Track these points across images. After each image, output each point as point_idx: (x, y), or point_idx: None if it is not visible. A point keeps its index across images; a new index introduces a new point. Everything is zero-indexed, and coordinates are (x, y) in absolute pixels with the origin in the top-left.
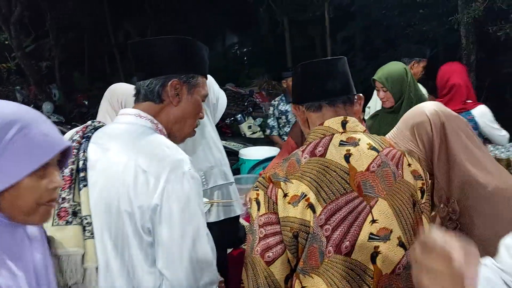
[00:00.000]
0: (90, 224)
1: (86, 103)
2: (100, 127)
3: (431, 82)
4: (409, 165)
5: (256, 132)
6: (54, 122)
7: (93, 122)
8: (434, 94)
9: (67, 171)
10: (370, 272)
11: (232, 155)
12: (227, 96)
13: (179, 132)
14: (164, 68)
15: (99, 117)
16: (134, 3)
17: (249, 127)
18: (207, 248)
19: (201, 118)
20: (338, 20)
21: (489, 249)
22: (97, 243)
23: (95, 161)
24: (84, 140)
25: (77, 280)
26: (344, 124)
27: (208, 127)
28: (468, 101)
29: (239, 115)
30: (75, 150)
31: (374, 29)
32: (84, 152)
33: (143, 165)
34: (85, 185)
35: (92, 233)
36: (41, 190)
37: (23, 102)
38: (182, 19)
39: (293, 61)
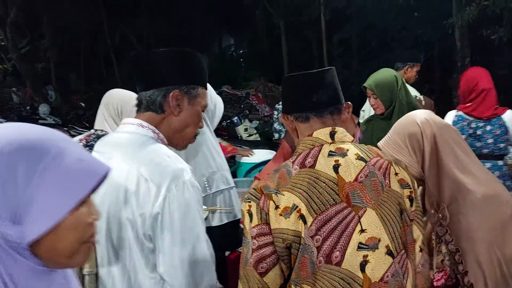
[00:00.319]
0: None
1: (83, 105)
2: (102, 135)
3: (427, 85)
4: (396, 174)
5: (253, 134)
6: (51, 125)
7: (96, 131)
8: (429, 96)
9: None
10: (359, 280)
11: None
12: (223, 99)
13: (179, 141)
14: (166, 79)
15: (97, 124)
16: (130, 5)
17: (246, 129)
18: (206, 254)
19: (201, 127)
20: (334, 23)
21: (476, 250)
22: (99, 249)
23: None
24: (87, 148)
25: None
26: (332, 134)
27: (208, 133)
28: (496, 106)
29: (236, 118)
30: None
31: (370, 31)
32: None
33: (145, 174)
34: None
35: None
36: (82, 226)
37: (19, 103)
38: (178, 20)
39: (289, 63)
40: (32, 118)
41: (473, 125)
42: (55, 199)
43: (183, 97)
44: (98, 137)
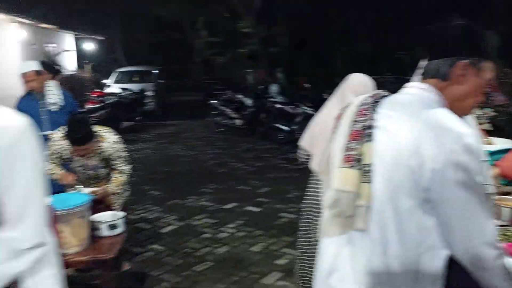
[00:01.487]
0: (368, 171)
1: (307, 86)
2: (386, 95)
3: None
4: None
5: (484, 123)
6: (280, 103)
7: (382, 91)
8: None
9: (358, 126)
10: None
11: None
12: None
13: (459, 109)
14: (454, 50)
15: (341, 98)
16: None
17: (477, 117)
18: None
19: (481, 101)
20: None
21: None
22: (377, 186)
23: (382, 122)
24: (374, 104)
25: (350, 213)
26: None
27: None
28: None
29: None
30: (367, 111)
31: None
32: (373, 113)
33: (426, 132)
34: (369, 140)
35: (369, 179)
36: None
37: (253, 83)
38: (397, 4)
39: None
40: (265, 97)
41: None
42: None
43: (468, 68)
44: (383, 96)
